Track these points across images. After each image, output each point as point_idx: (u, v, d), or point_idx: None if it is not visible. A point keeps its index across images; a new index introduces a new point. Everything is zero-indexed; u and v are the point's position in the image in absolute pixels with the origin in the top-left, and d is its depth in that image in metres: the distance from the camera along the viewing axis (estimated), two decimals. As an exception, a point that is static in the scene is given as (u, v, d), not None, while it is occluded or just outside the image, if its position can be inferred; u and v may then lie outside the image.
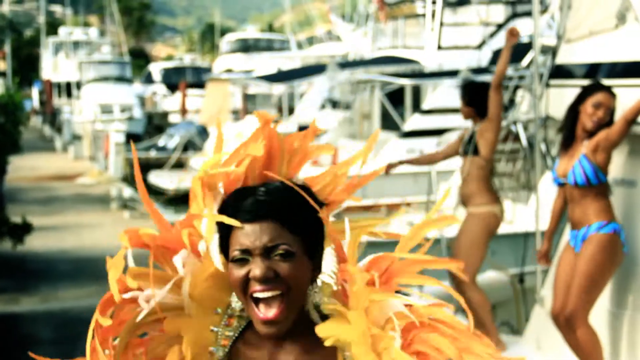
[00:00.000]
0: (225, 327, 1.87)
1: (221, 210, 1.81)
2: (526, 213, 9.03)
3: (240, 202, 1.78)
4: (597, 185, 5.26)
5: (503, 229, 8.89)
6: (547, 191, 8.27)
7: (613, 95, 5.24)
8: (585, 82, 5.96)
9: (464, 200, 6.70)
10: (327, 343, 1.72)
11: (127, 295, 1.81)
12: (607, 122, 5.23)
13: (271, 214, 1.75)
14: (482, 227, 6.55)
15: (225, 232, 1.80)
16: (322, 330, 1.72)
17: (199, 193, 1.84)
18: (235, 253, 1.77)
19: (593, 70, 5.98)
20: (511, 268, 8.31)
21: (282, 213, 1.76)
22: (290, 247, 1.75)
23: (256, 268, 1.73)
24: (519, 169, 9.91)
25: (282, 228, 1.75)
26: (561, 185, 5.51)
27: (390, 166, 6.60)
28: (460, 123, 11.86)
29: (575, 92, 5.50)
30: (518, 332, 7.40)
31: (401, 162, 6.95)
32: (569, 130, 5.39)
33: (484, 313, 6.42)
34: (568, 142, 5.41)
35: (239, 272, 1.76)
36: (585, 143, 5.26)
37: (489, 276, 8.36)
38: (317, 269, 1.82)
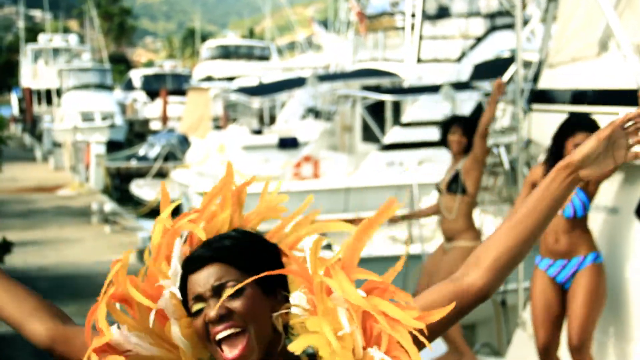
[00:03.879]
0: None
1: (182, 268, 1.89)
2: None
3: (190, 256, 1.87)
4: (584, 217, 5.28)
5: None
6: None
7: (594, 131, 5.20)
8: (567, 107, 5.96)
9: (449, 236, 6.82)
10: (297, 353, 1.76)
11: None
12: None
13: (216, 257, 1.82)
14: None
15: (184, 294, 1.87)
16: (292, 346, 1.75)
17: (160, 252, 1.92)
18: (191, 304, 1.83)
19: (575, 96, 5.99)
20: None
21: (228, 254, 1.82)
22: (238, 283, 1.79)
23: (210, 310, 1.78)
24: (501, 183, 9.93)
25: (229, 267, 1.81)
26: None
27: (393, 221, 7.23)
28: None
29: (557, 117, 5.49)
30: (499, 354, 7.39)
31: (402, 217, 7.32)
32: (557, 160, 5.37)
33: (454, 335, 6.58)
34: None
35: (198, 321, 1.81)
36: None
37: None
38: (277, 304, 1.85)
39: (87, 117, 36.25)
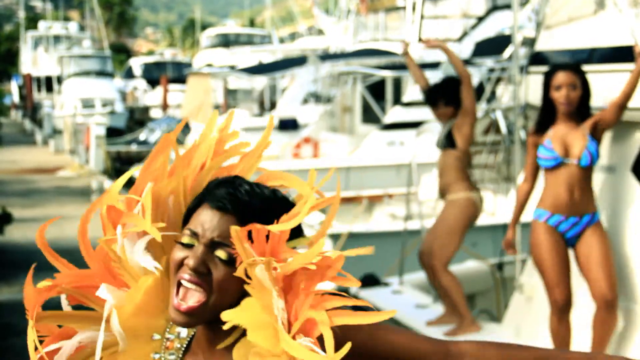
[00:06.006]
0: (166, 351, 1.80)
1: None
2: (507, 205, 9.06)
3: (218, 188, 1.72)
4: (591, 169, 5.27)
5: (484, 220, 8.94)
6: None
7: (572, 70, 5.20)
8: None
9: (443, 191, 6.81)
10: (225, 327, 1.63)
11: (53, 347, 1.81)
12: (583, 95, 5.21)
13: (235, 210, 1.67)
14: (460, 213, 6.62)
15: (190, 211, 1.75)
16: (225, 315, 1.64)
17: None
18: (185, 232, 1.71)
19: (572, 57, 5.99)
20: (491, 258, 8.33)
21: (250, 216, 1.67)
22: (234, 255, 1.65)
23: (192, 257, 1.66)
24: (500, 161, 9.93)
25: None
26: (555, 166, 5.29)
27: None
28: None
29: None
30: (497, 320, 7.40)
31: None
32: (551, 114, 5.34)
33: (456, 296, 6.56)
34: (547, 124, 5.36)
35: (179, 254, 1.70)
36: (582, 125, 5.24)
37: (469, 266, 8.39)
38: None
39: (88, 104, 36.15)
